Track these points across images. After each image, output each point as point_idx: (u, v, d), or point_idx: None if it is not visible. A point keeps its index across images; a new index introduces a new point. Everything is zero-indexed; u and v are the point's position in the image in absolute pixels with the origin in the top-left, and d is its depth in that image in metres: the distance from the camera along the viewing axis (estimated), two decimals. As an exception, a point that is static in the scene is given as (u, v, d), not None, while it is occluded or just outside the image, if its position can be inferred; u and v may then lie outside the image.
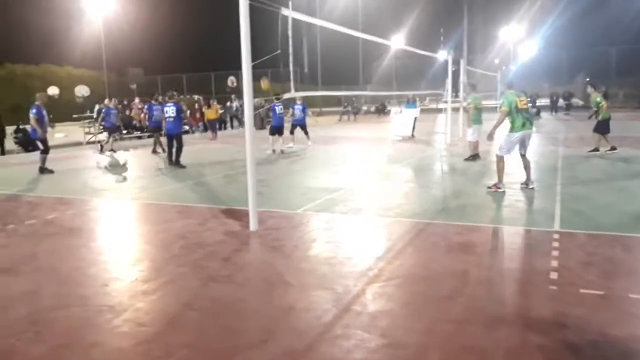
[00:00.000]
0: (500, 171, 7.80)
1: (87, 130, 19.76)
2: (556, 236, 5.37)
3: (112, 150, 14.72)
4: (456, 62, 16.55)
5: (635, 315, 3.49)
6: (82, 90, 28.89)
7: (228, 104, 25.49)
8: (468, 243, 5.30)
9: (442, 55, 18.41)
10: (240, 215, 6.49)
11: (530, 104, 30.14)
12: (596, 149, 11.91)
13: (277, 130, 13.96)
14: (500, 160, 7.81)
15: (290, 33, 6.70)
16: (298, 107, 14.85)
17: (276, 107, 13.98)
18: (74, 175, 11.03)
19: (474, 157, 11.25)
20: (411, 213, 6.73)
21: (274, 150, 13.77)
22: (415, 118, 18.50)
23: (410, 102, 21.15)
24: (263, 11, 6.16)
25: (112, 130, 15.33)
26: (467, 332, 3.33)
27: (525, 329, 3.34)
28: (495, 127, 7.86)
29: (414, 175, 10.08)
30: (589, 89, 12.89)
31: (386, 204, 7.25)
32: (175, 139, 11.40)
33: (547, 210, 6.55)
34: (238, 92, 23.19)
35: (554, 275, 4.24)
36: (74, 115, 23.14)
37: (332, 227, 6.22)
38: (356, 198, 7.79)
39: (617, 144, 12.17)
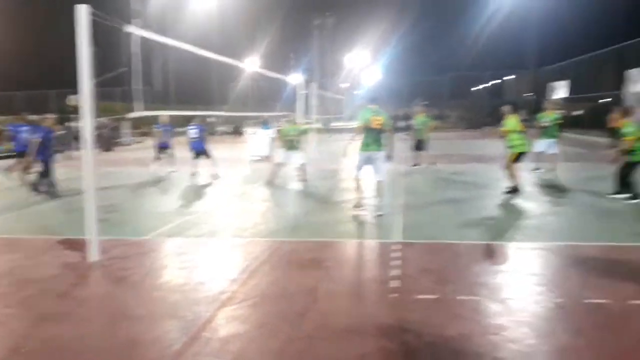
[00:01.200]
0: (356, 190, 7.76)
1: None
2: (397, 247, 5.79)
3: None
4: (307, 86, 17.19)
5: (463, 316, 3.88)
6: None
7: (66, 124, 23.53)
8: (319, 258, 5.48)
9: (294, 78, 18.99)
10: (80, 246, 5.94)
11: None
12: (433, 163, 13.19)
13: (200, 153, 12.45)
14: (354, 179, 7.76)
15: (136, 50, 6.43)
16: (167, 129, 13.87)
17: (190, 130, 12.70)
18: None
19: (270, 182, 10.91)
20: (266, 232, 6.78)
21: (193, 174, 12.48)
22: (272, 139, 18.75)
23: (266, 124, 21.43)
24: (106, 26, 5.84)
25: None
26: (319, 346, 3.42)
27: (370, 337, 3.53)
28: (349, 143, 7.85)
29: (269, 194, 10.19)
30: (417, 108, 14.28)
31: (242, 225, 7.23)
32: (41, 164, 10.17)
33: (389, 223, 7.02)
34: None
35: (395, 284, 4.56)
36: None
37: (185, 251, 6.02)
38: (211, 220, 7.66)
39: (448, 160, 13.58)
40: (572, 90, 30.73)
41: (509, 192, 9.14)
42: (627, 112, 8.57)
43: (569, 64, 31.29)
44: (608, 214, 7.40)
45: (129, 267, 5.28)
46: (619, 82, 22.94)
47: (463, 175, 12.04)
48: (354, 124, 7.59)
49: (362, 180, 7.72)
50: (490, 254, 5.64)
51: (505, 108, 9.77)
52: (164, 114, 14.22)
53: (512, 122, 9.41)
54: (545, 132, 11.80)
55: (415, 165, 13.28)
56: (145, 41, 6.57)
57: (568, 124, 30.62)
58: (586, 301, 4.08)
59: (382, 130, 7.42)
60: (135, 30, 6.32)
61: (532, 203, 8.39)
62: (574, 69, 30.66)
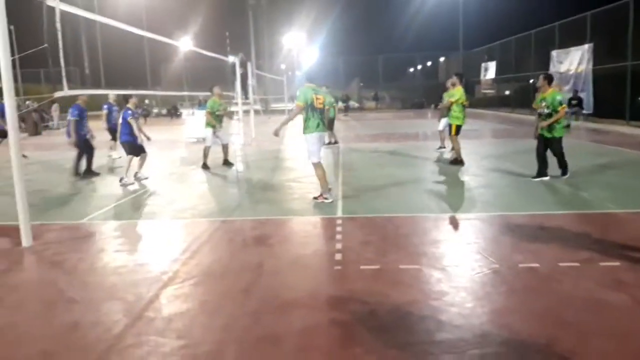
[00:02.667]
0: (321, 179, 6.95)
1: None
2: (339, 221, 5.88)
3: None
4: (244, 65, 16.90)
5: (405, 284, 4.00)
6: None
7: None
8: (262, 236, 5.47)
9: (231, 58, 18.60)
10: (10, 232, 5.66)
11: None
12: (336, 142, 14.02)
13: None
14: (317, 167, 6.95)
15: (59, 26, 6.06)
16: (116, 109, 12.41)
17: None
18: None
19: (204, 166, 10.48)
20: (207, 213, 6.68)
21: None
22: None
23: (202, 104, 20.96)
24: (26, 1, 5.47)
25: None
26: (264, 321, 3.42)
27: (315, 309, 3.57)
28: (284, 123, 7.07)
29: (209, 175, 10.00)
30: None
31: (181, 206, 7.07)
32: None
33: (332, 200, 7.09)
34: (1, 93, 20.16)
35: (338, 257, 4.64)
36: None
37: (123, 235, 5.83)
38: (149, 202, 7.44)
39: (386, 139, 13.83)
40: (499, 70, 32.02)
41: (452, 163, 9.69)
42: (551, 79, 8.24)
43: (496, 46, 32.54)
44: (534, 185, 7.81)
45: (64, 252, 5.05)
46: (542, 62, 24.12)
47: (399, 153, 12.31)
48: (297, 103, 6.91)
49: (323, 164, 7.08)
50: (428, 225, 5.82)
51: (452, 79, 9.96)
52: (101, 92, 13.36)
53: (459, 92, 9.73)
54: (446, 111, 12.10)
55: (328, 143, 13.69)
56: (73, 21, 6.21)
57: (496, 103, 32.12)
58: (519, 265, 4.31)
59: (323, 110, 7.02)
60: (57, 4, 5.95)
61: (464, 177, 8.73)
62: (500, 51, 31.93)
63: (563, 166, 8.14)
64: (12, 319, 3.57)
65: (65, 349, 3.10)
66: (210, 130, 10.51)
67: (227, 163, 10.84)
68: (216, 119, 10.52)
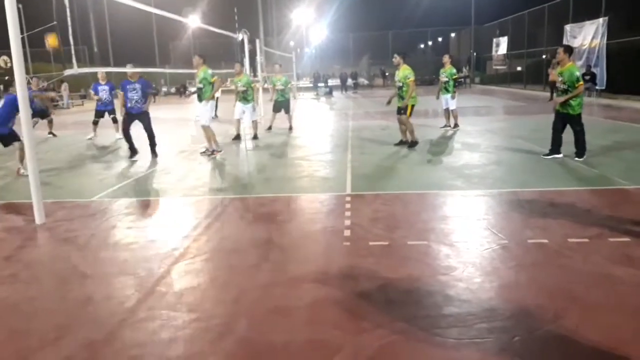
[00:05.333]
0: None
1: None
2: (348, 199, 5.90)
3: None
4: (252, 42, 16.76)
5: (412, 259, 4.02)
6: None
7: (1, 87, 22.21)
8: (272, 213, 5.51)
9: (239, 35, 18.45)
10: (23, 209, 5.76)
11: (323, 84, 32.18)
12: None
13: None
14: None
15: (66, 2, 6.05)
16: (103, 88, 12.51)
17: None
18: None
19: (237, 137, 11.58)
20: (217, 190, 6.72)
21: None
22: (217, 98, 18.30)
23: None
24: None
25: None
26: (272, 295, 3.47)
27: (324, 283, 3.61)
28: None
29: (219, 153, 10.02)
30: (276, 67, 14.03)
31: (191, 184, 7.12)
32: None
33: (340, 177, 7.12)
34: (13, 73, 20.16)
35: (347, 233, 4.66)
36: None
37: (133, 212, 5.89)
38: (159, 180, 7.50)
39: (394, 117, 13.70)
40: (511, 46, 31.52)
41: (410, 146, 9.35)
42: (571, 51, 7.96)
43: (508, 20, 31.95)
44: (546, 162, 7.74)
45: (76, 229, 5.12)
46: (555, 37, 23.68)
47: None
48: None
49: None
50: (437, 202, 5.82)
51: (395, 59, 9.34)
52: (105, 70, 13.47)
53: (410, 71, 9.24)
54: (444, 87, 11.86)
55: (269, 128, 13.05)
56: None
57: (508, 79, 31.69)
58: (528, 241, 4.31)
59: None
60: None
61: (474, 154, 8.67)
62: (512, 25, 31.38)
63: (579, 146, 7.73)
64: (28, 294, 3.64)
65: (79, 322, 3.16)
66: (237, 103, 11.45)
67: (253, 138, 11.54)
68: (239, 95, 11.47)
